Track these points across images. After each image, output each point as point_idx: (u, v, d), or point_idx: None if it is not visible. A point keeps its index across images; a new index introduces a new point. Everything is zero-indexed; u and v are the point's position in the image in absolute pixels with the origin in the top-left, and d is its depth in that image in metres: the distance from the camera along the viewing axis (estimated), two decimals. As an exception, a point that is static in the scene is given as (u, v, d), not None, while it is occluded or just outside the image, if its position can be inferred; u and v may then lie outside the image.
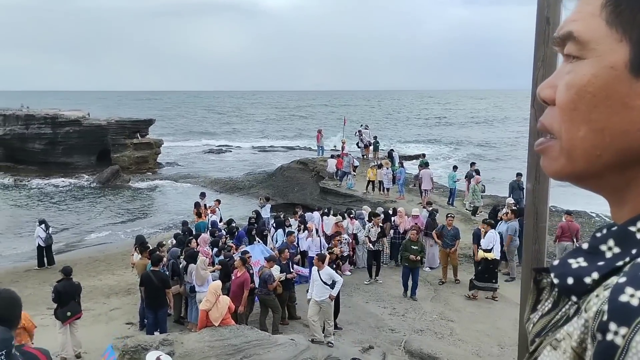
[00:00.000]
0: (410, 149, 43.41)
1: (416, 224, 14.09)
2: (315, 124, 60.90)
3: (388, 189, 20.54)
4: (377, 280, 13.23)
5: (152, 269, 10.33)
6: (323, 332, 9.63)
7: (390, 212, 15.72)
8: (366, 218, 15.00)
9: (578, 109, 0.57)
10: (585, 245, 0.58)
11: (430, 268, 13.98)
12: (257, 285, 10.69)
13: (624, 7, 0.52)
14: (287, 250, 11.50)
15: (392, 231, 14.55)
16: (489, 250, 11.66)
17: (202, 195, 19.24)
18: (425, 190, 19.70)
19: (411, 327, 10.67)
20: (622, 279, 0.49)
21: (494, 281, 11.81)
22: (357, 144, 28.39)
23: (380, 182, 20.87)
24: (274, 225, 15.52)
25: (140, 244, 13.52)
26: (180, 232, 15.12)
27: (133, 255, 13.19)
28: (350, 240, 14.02)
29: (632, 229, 0.54)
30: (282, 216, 16.54)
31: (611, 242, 0.55)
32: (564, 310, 0.58)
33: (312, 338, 9.43)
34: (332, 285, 9.67)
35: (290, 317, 11.17)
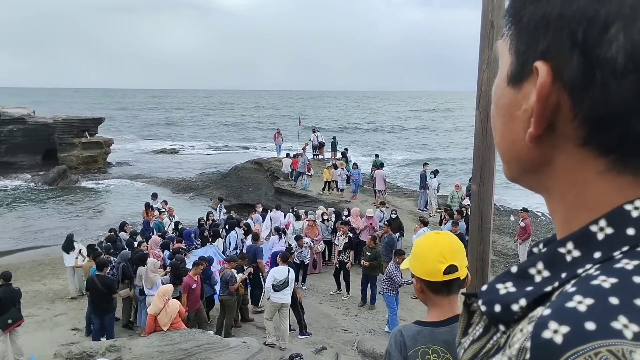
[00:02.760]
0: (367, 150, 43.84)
1: (371, 224, 14.22)
2: (272, 124, 60.60)
3: (342, 190, 20.66)
4: (347, 295, 12.48)
5: (97, 273, 9.99)
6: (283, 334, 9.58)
7: (345, 212, 15.86)
8: (319, 219, 15.03)
9: (493, 117, 0.59)
10: (514, 269, 0.54)
11: None
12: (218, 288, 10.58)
13: (509, 20, 0.54)
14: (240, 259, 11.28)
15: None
16: None
17: (154, 195, 18.79)
18: (379, 190, 19.89)
19: (364, 327, 10.74)
20: (547, 311, 0.45)
21: None
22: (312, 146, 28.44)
23: (336, 182, 20.99)
24: (226, 227, 15.34)
25: (88, 245, 13.15)
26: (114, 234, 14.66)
27: (78, 257, 12.78)
28: (313, 244, 13.95)
29: (562, 250, 0.51)
30: (234, 216, 16.40)
31: (540, 265, 0.52)
32: (495, 339, 0.54)
33: (264, 340, 9.35)
34: (287, 285, 9.61)
35: (243, 319, 11.05)
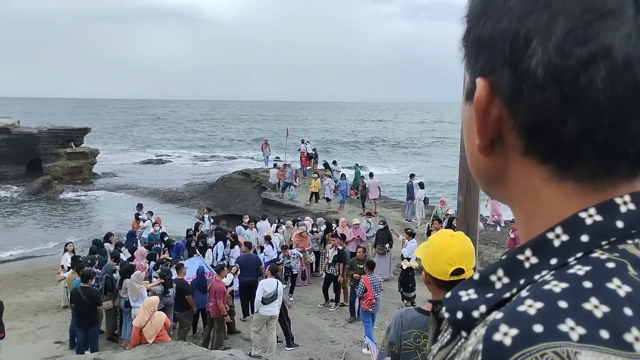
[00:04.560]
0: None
1: (358, 236, 14.24)
2: (260, 134, 60.51)
3: (329, 200, 20.68)
4: (335, 305, 12.42)
5: (81, 285, 9.86)
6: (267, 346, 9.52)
7: (334, 223, 15.87)
8: (309, 229, 15.03)
9: (463, 133, 0.61)
10: (476, 276, 0.56)
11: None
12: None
13: (461, 42, 0.58)
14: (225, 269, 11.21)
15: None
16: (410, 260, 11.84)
17: (139, 206, 18.65)
18: (373, 199, 19.96)
19: (351, 338, 10.71)
20: (499, 315, 0.47)
21: (412, 289, 11.58)
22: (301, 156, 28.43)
23: (316, 194, 21.13)
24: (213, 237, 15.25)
25: (73, 257, 13.01)
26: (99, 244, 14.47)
27: (60, 272, 12.63)
28: (303, 255, 13.91)
29: (521, 257, 0.52)
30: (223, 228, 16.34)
31: (500, 272, 0.53)
32: (459, 344, 0.56)
33: (250, 352, 9.28)
34: (276, 298, 9.57)
35: (230, 331, 10.96)
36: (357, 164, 25.24)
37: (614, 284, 0.46)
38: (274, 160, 28.42)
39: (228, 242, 14.53)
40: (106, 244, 14.58)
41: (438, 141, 67.82)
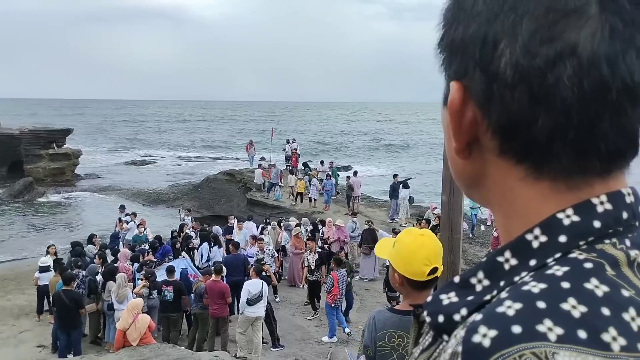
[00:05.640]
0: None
1: (339, 238, 14.24)
2: (245, 135, 60.27)
3: (315, 200, 20.70)
4: (315, 316, 11.92)
5: (63, 288, 9.73)
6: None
7: (320, 224, 15.86)
8: (302, 231, 14.99)
9: (444, 136, 0.62)
10: (457, 279, 0.56)
11: (361, 279, 14.13)
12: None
13: (436, 48, 0.59)
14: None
15: (319, 242, 14.60)
16: None
17: (122, 207, 18.48)
18: (355, 197, 20.10)
19: (337, 338, 10.70)
20: (479, 317, 0.47)
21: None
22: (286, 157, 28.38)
23: (301, 194, 21.13)
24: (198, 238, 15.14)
25: (55, 260, 12.84)
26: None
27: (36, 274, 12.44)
28: (276, 254, 13.84)
29: (500, 259, 0.53)
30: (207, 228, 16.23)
31: (481, 275, 0.54)
32: (441, 347, 0.56)
33: (235, 353, 9.24)
34: (261, 299, 9.54)
35: (217, 333, 10.88)
36: (332, 162, 25.33)
37: (592, 284, 0.46)
38: (259, 161, 28.32)
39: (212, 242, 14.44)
40: (89, 246, 14.42)
41: (422, 141, 68.18)
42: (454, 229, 4.16)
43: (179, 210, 19.88)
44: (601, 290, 0.46)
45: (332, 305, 10.40)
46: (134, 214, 17.65)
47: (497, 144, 0.53)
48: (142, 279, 10.80)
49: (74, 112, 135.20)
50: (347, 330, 10.68)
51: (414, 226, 15.68)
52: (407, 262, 2.22)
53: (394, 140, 68.71)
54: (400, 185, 19.34)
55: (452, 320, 0.52)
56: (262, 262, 11.79)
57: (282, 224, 16.04)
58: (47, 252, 13.53)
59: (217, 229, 15.92)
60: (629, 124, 0.50)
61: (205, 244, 14.37)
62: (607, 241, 0.50)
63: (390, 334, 2.33)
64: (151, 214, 24.47)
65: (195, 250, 14.79)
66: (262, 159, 30.72)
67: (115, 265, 11.88)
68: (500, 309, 0.46)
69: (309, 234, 15.05)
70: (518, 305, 0.46)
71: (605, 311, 0.44)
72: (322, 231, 15.17)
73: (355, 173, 21.82)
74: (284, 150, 27.34)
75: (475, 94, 0.53)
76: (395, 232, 13.62)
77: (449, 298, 0.54)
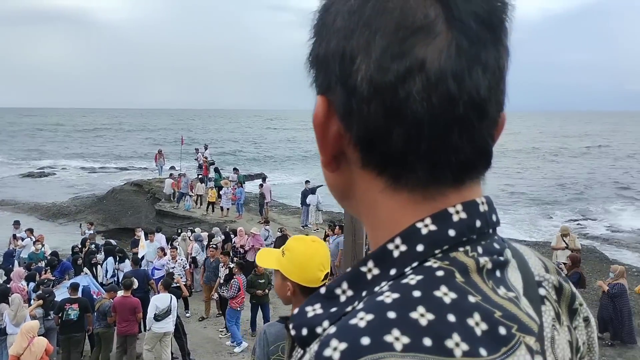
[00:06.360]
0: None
1: (253, 246, 14.10)
2: (155, 144, 58.23)
3: (227, 209, 20.38)
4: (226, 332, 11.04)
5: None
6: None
7: (232, 234, 15.61)
8: (205, 241, 14.64)
9: None
10: (323, 290, 0.55)
11: None
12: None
13: (306, 64, 0.59)
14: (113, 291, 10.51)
15: (231, 251, 14.35)
16: None
17: (16, 223, 17.18)
18: (266, 203, 20.10)
19: (250, 349, 10.56)
20: (332, 329, 0.47)
21: None
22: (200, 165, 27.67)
23: (213, 203, 20.83)
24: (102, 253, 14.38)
25: None
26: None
27: None
28: (187, 265, 13.43)
29: (363, 269, 0.53)
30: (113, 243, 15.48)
31: (345, 285, 0.54)
32: None
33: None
34: (169, 313, 9.21)
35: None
36: (235, 168, 25.14)
37: (441, 291, 0.47)
38: (169, 170, 27.44)
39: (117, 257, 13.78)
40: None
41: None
42: (356, 235, 4.24)
43: (80, 224, 18.80)
44: (449, 297, 0.47)
45: (238, 308, 10.41)
46: (31, 230, 16.40)
47: (359, 156, 0.54)
48: (34, 300, 10.07)
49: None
50: (238, 349, 10.20)
51: (325, 232, 15.86)
52: (302, 270, 2.17)
53: (311, 150, 69.33)
54: (309, 191, 19.50)
55: (314, 333, 0.51)
56: (173, 275, 11.43)
57: (191, 235, 15.62)
58: None
59: (159, 237, 15.17)
60: (479, 137, 0.52)
61: (111, 259, 13.69)
62: (460, 249, 0.51)
63: (283, 346, 2.26)
64: (50, 229, 22.95)
65: (99, 266, 14.02)
66: (172, 168, 29.85)
67: (8, 285, 11.00)
68: (353, 321, 0.46)
69: (215, 245, 14.64)
70: (370, 317, 0.46)
71: (451, 317, 0.45)
72: (234, 241, 14.94)
73: (265, 179, 21.75)
74: (196, 159, 26.64)
75: (337, 107, 0.54)
76: None
77: (314, 310, 0.53)
